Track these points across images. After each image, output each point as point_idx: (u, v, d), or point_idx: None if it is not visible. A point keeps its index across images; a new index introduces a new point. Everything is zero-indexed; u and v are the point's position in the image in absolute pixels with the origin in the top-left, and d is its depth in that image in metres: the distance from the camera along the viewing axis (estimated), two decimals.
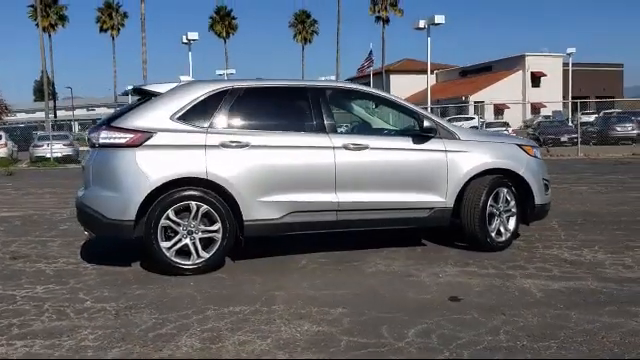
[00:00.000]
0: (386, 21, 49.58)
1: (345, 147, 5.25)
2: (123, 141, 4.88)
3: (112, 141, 4.91)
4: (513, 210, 5.76)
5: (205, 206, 4.94)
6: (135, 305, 4.21)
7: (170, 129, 4.97)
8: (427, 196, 5.47)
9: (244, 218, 5.05)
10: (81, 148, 24.93)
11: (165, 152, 4.92)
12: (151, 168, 4.86)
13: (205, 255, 4.97)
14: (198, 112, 5.07)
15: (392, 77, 59.55)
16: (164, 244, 4.89)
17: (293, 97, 5.46)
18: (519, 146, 5.89)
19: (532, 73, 59.96)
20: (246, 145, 5.04)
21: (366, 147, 5.30)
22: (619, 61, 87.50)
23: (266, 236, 5.47)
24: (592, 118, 36.46)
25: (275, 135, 5.20)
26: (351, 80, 51.56)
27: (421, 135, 5.44)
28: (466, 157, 5.53)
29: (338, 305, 4.10)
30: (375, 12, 49.57)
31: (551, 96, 53.05)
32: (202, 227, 4.97)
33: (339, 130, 5.56)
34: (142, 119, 4.97)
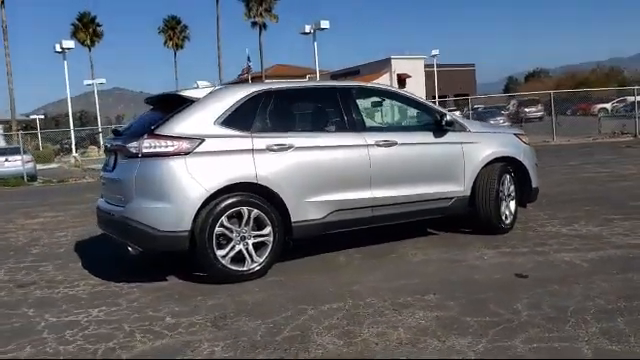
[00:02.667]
0: (263, 27, 49.85)
1: (377, 144, 5.43)
2: (172, 149, 4.67)
3: (159, 150, 4.67)
4: (513, 194, 6.27)
5: (256, 210, 4.88)
6: (225, 315, 4.08)
7: (217, 135, 4.84)
8: (448, 186, 5.80)
9: (292, 220, 5.04)
10: None
11: (215, 158, 4.78)
12: (204, 175, 4.70)
13: (259, 260, 4.91)
14: (239, 116, 4.99)
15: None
16: (220, 252, 4.76)
17: (325, 97, 5.54)
18: (516, 135, 6.43)
19: (398, 75, 63.37)
20: (290, 147, 5.04)
21: (395, 143, 5.51)
22: (469, 61, 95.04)
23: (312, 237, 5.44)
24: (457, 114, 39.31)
25: (315, 136, 5.25)
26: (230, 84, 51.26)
27: (440, 129, 5.76)
28: (477, 148, 5.95)
29: (426, 292, 4.28)
30: (251, 17, 49.61)
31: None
32: (254, 232, 4.89)
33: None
34: (186, 126, 4.79)
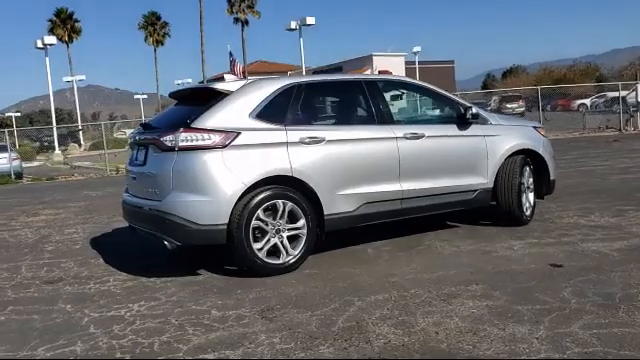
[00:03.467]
0: (245, 23, 49.59)
1: (405, 137, 5.46)
2: (210, 142, 4.65)
3: (196, 143, 4.64)
4: (532, 186, 6.35)
5: (290, 203, 4.88)
6: (271, 307, 4.07)
7: (252, 128, 4.83)
8: (472, 179, 5.86)
9: (325, 213, 5.05)
10: None
11: (252, 151, 4.78)
12: (241, 168, 4.69)
13: (294, 252, 4.91)
14: (272, 109, 4.98)
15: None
16: (256, 245, 4.76)
17: (353, 90, 5.55)
18: (534, 128, 6.52)
19: (379, 72, 63.60)
20: (322, 140, 5.05)
21: (422, 136, 5.55)
22: (449, 58, 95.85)
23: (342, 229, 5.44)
24: None
25: (346, 129, 5.27)
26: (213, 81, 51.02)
27: (465, 122, 5.81)
28: (500, 140, 6.01)
29: (468, 282, 4.32)
30: (233, 13, 49.32)
31: None
32: (288, 225, 4.90)
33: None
34: (221, 119, 4.77)
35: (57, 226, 8.46)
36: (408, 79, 6.15)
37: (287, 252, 4.89)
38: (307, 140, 4.99)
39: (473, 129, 5.88)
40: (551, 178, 6.48)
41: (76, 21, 54.46)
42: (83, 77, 49.04)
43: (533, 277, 4.37)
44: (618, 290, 3.94)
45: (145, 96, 58.51)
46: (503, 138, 6.05)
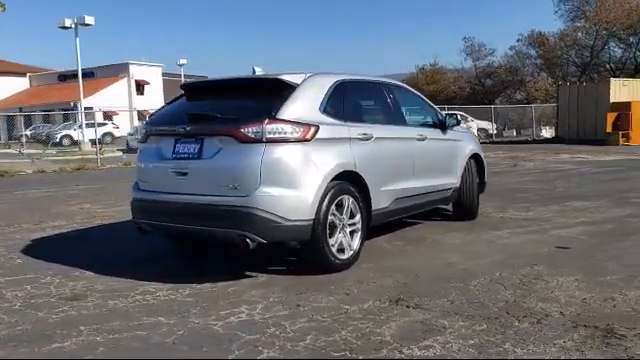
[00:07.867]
0: None
1: (417, 138, 5.88)
2: (297, 135, 4.44)
3: (283, 135, 4.39)
4: None
5: (352, 199, 4.91)
6: (397, 298, 4.05)
7: (325, 122, 4.73)
8: (450, 178, 6.54)
9: (372, 208, 5.18)
10: None
11: (328, 145, 4.69)
12: (322, 162, 4.59)
13: (354, 247, 4.94)
14: (333, 104, 4.96)
15: None
16: (331, 241, 4.68)
17: (381, 91, 5.73)
18: (473, 135, 7.49)
19: (136, 81, 61.33)
20: (371, 137, 5.17)
21: (426, 138, 6.03)
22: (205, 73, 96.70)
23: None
24: None
25: (386, 128, 5.49)
26: None
27: (445, 127, 6.47)
28: (463, 145, 6.81)
29: (525, 265, 4.85)
30: None
31: (154, 104, 55.49)
32: (349, 220, 4.92)
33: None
34: (299, 111, 4.58)
35: None
36: (407, 86, 6.58)
37: (350, 247, 4.89)
38: (361, 136, 5.07)
39: (449, 134, 6.56)
40: (485, 180, 7.49)
41: None
42: None
43: (567, 257, 5.14)
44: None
45: None
46: (465, 143, 6.85)
